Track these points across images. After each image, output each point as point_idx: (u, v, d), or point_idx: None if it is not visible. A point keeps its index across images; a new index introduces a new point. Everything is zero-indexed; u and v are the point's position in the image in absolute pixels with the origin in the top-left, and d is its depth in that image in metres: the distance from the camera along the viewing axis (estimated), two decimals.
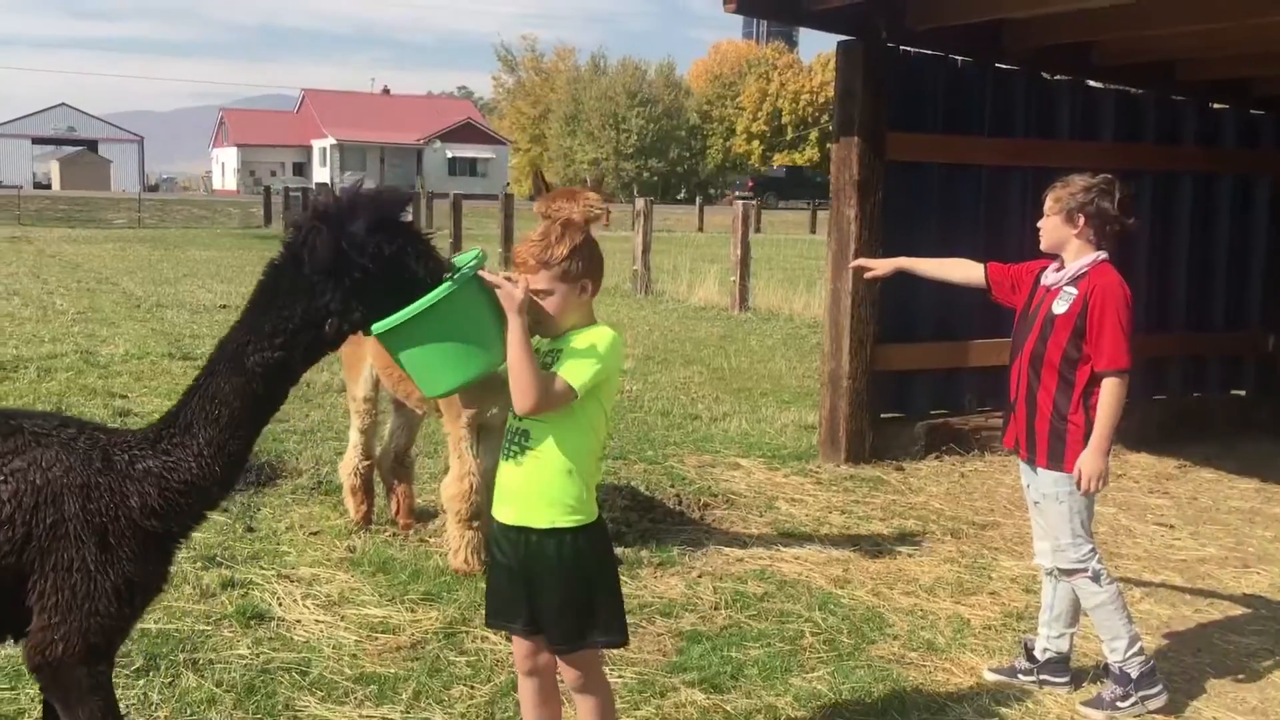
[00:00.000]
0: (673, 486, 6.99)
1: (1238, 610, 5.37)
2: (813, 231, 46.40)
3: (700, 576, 5.46)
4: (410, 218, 2.95)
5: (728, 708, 4.11)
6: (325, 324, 2.85)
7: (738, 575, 5.52)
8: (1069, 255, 4.21)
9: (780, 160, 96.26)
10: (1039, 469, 4.24)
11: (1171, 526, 6.70)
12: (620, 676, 4.32)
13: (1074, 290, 4.15)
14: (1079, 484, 4.08)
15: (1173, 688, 4.42)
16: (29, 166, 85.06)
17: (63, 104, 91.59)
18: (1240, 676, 4.60)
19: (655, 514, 6.42)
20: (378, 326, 2.83)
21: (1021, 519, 6.62)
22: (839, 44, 7.72)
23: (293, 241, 2.84)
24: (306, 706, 4.01)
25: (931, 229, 7.92)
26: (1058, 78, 8.63)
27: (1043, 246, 4.30)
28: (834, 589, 5.39)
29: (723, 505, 6.71)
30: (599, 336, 3.12)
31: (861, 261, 5.16)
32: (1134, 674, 4.17)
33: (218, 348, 2.95)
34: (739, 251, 17.38)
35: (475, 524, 5.31)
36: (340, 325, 2.86)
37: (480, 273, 2.93)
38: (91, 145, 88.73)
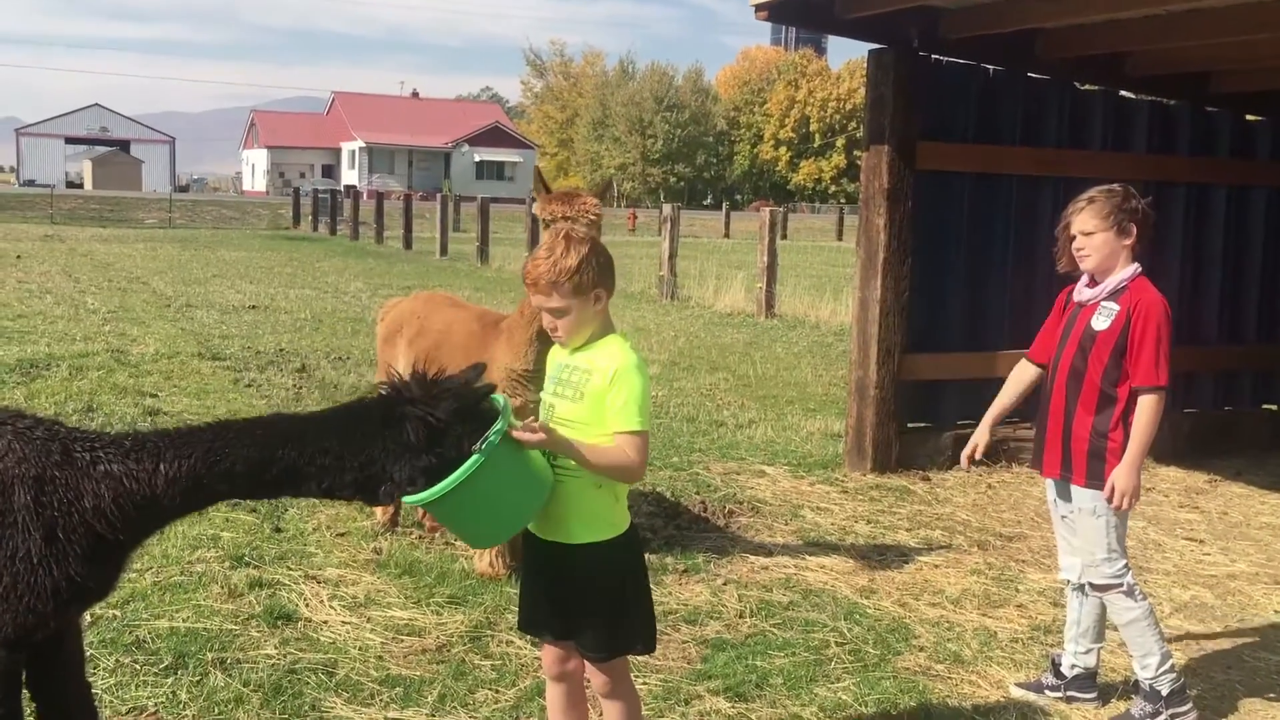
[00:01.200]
0: (698, 493, 6.98)
1: (1269, 627, 5.31)
2: (839, 239, 46.36)
3: (725, 584, 5.46)
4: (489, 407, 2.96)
5: (752, 717, 4.10)
6: (380, 487, 2.89)
7: (763, 583, 5.51)
8: (1111, 267, 4.12)
9: (807, 167, 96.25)
10: (1074, 487, 4.18)
11: (1201, 541, 6.64)
12: (645, 684, 4.31)
13: (1115, 305, 4.08)
14: (1110, 499, 4.04)
15: (1203, 705, 4.38)
16: (62, 166, 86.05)
17: (95, 104, 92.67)
18: (1272, 694, 4.55)
19: (680, 520, 6.42)
20: (415, 499, 2.85)
21: (1049, 531, 6.57)
22: (870, 52, 7.70)
23: (392, 401, 2.89)
24: (333, 708, 4.03)
25: (961, 238, 7.90)
26: (1090, 88, 8.58)
27: (1090, 267, 4.14)
28: (859, 599, 5.37)
29: (748, 513, 6.70)
30: (622, 363, 3.06)
31: (969, 452, 4.48)
32: (1164, 691, 4.12)
33: (272, 418, 3.04)
34: (765, 258, 17.36)
35: None
36: (393, 492, 2.89)
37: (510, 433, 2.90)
38: (123, 145, 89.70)
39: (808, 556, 5.96)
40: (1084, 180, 8.20)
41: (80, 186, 77.37)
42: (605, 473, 3.03)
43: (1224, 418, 9.19)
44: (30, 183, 76.74)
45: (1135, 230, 4.07)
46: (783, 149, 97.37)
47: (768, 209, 19.58)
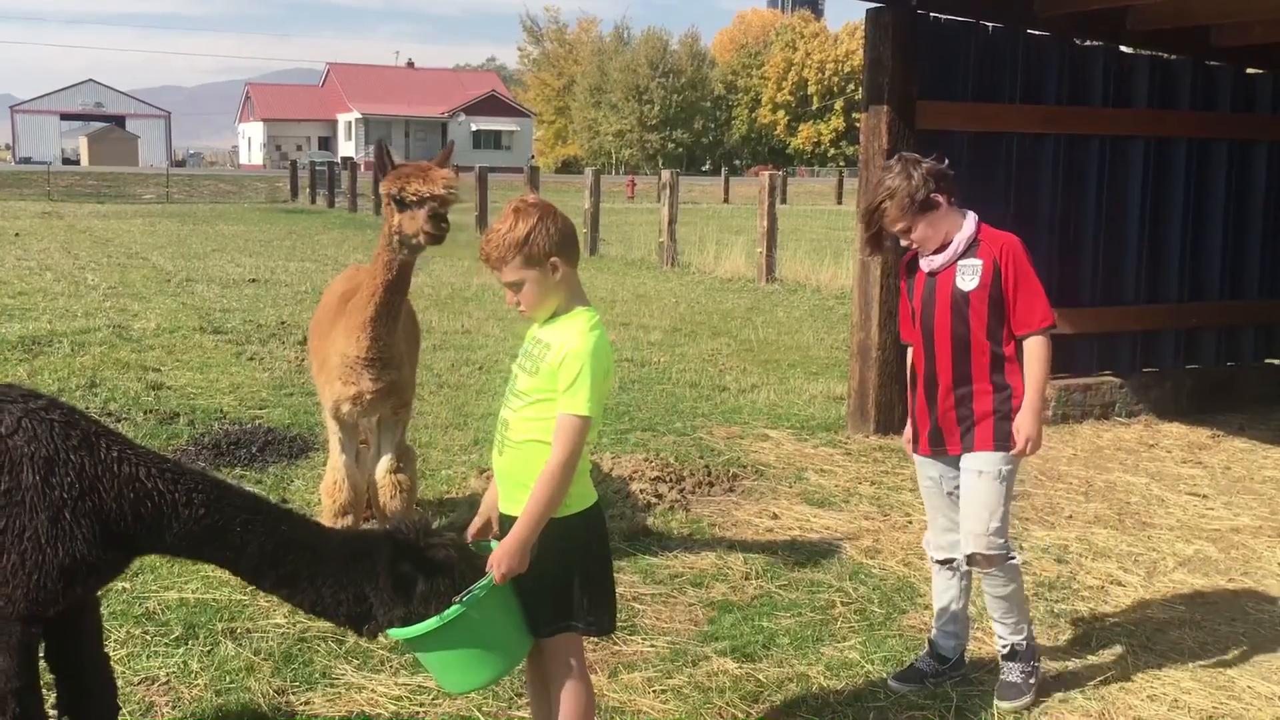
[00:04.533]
0: (702, 458, 7.00)
1: (1272, 579, 5.33)
2: (839, 202, 46.18)
3: (731, 547, 5.48)
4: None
5: (760, 676, 4.14)
6: (364, 624, 3.02)
7: (768, 546, 5.54)
8: (948, 234, 3.89)
9: (806, 131, 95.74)
10: (977, 453, 3.91)
11: (1205, 496, 6.66)
12: (653, 646, 4.35)
13: (976, 260, 3.85)
14: (1014, 446, 3.84)
15: (1206, 656, 4.42)
16: (58, 143, 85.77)
17: (90, 80, 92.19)
18: (1275, 645, 4.57)
19: (685, 485, 6.44)
20: (395, 632, 2.98)
21: (1051, 488, 6.61)
22: (868, 11, 7.65)
23: (390, 543, 2.98)
24: (343, 674, 4.06)
25: (961, 198, 7.85)
26: (1090, 44, 8.52)
27: (932, 250, 3.92)
28: (864, 559, 5.39)
29: (752, 476, 6.72)
30: (575, 345, 2.95)
31: (908, 449, 4.22)
32: (1034, 647, 4.06)
33: (300, 519, 3.14)
34: (765, 223, 17.30)
35: (346, 519, 5.03)
36: (375, 631, 3.03)
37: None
38: (119, 121, 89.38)
39: (812, 519, 5.99)
40: (1085, 137, 8.24)
41: (76, 163, 77.16)
42: (557, 495, 2.94)
43: (1226, 373, 9.19)
44: (26, 160, 76.49)
45: (942, 197, 3.86)
46: (781, 113, 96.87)
47: (767, 173, 19.49)
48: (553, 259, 3.00)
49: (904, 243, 3.96)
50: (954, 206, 3.91)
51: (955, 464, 4.01)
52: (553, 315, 3.07)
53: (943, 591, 4.18)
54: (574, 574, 3.07)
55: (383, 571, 2.95)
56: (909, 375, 4.16)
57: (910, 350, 4.14)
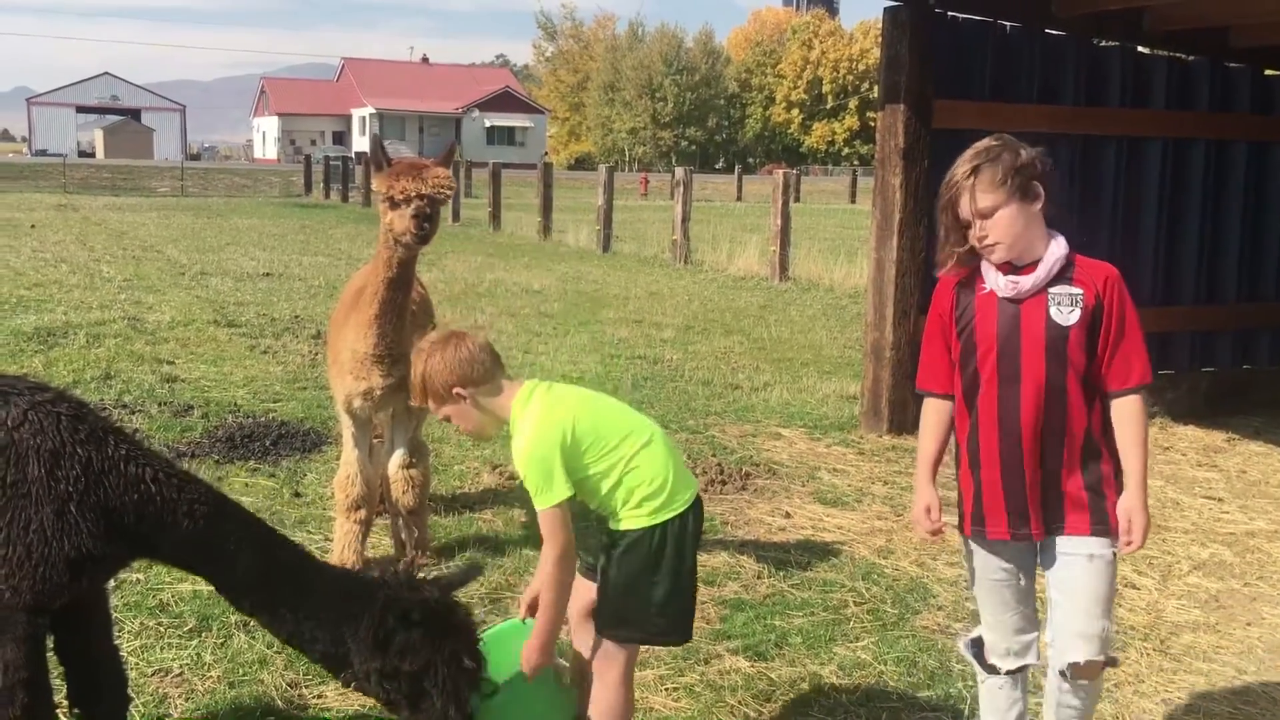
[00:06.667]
0: (714, 456, 6.99)
1: None
2: (853, 201, 46.11)
3: (743, 546, 5.47)
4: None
5: (772, 675, 4.13)
6: (340, 669, 3.00)
7: (780, 545, 5.53)
8: (1030, 245, 3.05)
9: (820, 130, 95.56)
10: (1073, 538, 3.10)
11: (1220, 500, 6.62)
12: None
13: (1074, 289, 3.04)
14: (1126, 538, 3.04)
15: (1221, 661, 4.40)
16: (73, 135, 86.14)
17: (106, 73, 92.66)
18: None
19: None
20: None
21: None
22: (885, 9, 7.62)
23: (389, 597, 2.96)
24: None
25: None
26: (1108, 44, 8.48)
27: (1003, 256, 3.03)
28: (877, 559, 5.38)
29: (765, 475, 6.71)
30: (518, 450, 2.98)
31: (928, 525, 3.39)
32: None
33: (292, 546, 3.11)
34: (779, 221, 17.27)
35: (359, 513, 5.01)
36: (349, 680, 3.02)
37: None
38: (135, 114, 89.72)
39: (825, 518, 5.98)
40: (1102, 137, 8.20)
41: (92, 156, 77.44)
42: (563, 588, 3.01)
43: (1242, 376, 9.14)
44: (42, 152, 76.81)
45: (1044, 191, 3.03)
46: (795, 111, 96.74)
47: (781, 171, 19.46)
48: (455, 390, 3.02)
49: (974, 235, 3.02)
50: (1045, 218, 3.08)
51: (1032, 550, 3.20)
52: (504, 427, 3.10)
53: (1008, 709, 3.32)
54: (642, 586, 3.05)
55: (366, 619, 2.93)
56: (935, 441, 3.31)
57: (931, 402, 3.28)
